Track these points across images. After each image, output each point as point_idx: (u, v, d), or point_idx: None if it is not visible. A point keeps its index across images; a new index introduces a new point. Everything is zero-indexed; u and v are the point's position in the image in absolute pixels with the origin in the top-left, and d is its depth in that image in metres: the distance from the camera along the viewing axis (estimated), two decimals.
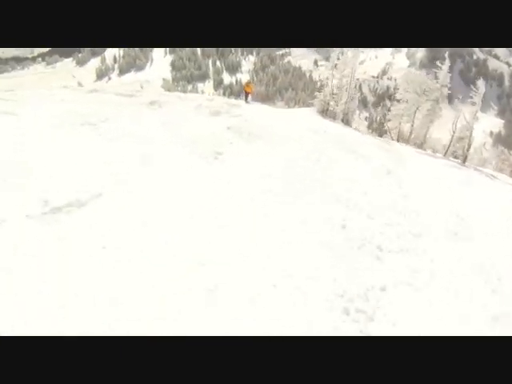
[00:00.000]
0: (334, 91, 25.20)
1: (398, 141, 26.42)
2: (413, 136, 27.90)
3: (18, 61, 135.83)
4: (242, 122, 14.09)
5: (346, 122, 25.73)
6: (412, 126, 27.61)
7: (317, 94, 25.68)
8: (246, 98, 22.98)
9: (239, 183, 8.38)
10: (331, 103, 25.47)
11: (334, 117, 24.84)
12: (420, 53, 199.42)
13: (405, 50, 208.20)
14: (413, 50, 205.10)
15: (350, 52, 25.49)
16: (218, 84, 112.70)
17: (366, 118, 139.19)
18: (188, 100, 17.86)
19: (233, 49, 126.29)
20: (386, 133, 28.11)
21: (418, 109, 26.38)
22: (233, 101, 21.81)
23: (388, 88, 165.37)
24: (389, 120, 29.23)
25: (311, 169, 10.34)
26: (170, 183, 7.70)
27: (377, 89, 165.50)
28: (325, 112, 25.33)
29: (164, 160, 8.86)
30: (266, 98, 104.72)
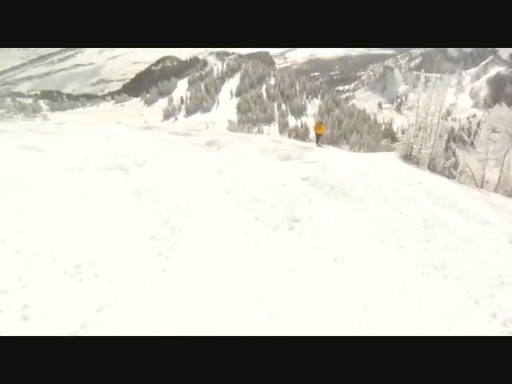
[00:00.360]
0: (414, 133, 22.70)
1: (481, 187, 22.59)
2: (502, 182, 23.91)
3: (89, 98, 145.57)
4: (319, 170, 11.10)
5: (433, 168, 22.64)
6: (501, 170, 23.40)
7: (400, 136, 23.82)
8: (318, 141, 20.39)
9: (335, 277, 5.10)
10: (414, 147, 22.72)
11: (417, 162, 22.10)
12: (483, 92, 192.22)
13: (468, 89, 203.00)
14: (476, 89, 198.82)
15: (435, 89, 22.30)
16: (284, 127, 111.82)
17: None
18: (252, 141, 15.29)
19: (298, 92, 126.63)
20: (461, 177, 24.31)
21: (508, 151, 22.38)
22: (303, 143, 19.04)
23: (453, 129, 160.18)
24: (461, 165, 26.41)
25: (427, 239, 7.16)
26: (216, 282, 4.51)
27: (442, 130, 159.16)
28: (408, 157, 22.64)
29: (212, 231, 5.76)
30: (332, 141, 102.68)
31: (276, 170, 10.27)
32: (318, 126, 20.84)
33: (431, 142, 22.47)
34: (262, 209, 6.91)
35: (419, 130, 23.00)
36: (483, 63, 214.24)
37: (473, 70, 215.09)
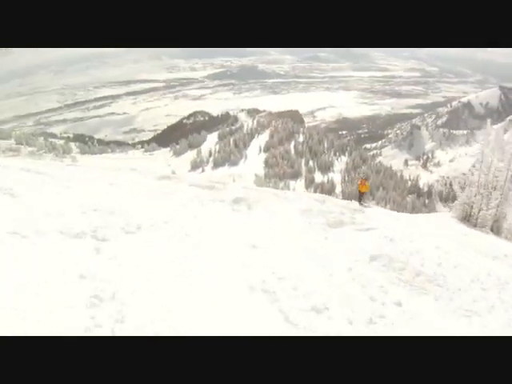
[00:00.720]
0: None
1: None
2: None
3: (119, 145, 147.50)
4: (386, 243, 8.06)
5: (497, 230, 19.63)
6: None
7: (459, 194, 21.66)
8: (361, 200, 17.47)
9: None
10: (474, 206, 19.91)
11: (475, 224, 19.33)
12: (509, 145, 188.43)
13: None
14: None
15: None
16: (310, 182, 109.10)
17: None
18: (288, 199, 12.36)
19: (325, 149, 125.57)
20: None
21: None
22: (350, 204, 16.02)
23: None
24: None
25: None
26: None
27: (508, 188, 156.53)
28: (467, 218, 19.78)
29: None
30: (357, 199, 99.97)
31: (330, 244, 7.29)
32: (363, 182, 17.99)
33: (496, 201, 19.42)
34: (323, 312, 4.00)
35: (480, 187, 20.01)
36: (509, 117, 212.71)
37: (500, 125, 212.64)
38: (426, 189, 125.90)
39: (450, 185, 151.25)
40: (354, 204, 16.67)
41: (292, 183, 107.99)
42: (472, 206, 19.84)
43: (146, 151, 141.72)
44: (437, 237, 10.82)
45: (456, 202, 20.39)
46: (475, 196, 19.32)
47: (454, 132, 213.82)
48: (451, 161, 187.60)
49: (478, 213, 19.50)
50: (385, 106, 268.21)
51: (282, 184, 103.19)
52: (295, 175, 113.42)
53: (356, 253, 6.86)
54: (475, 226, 19.40)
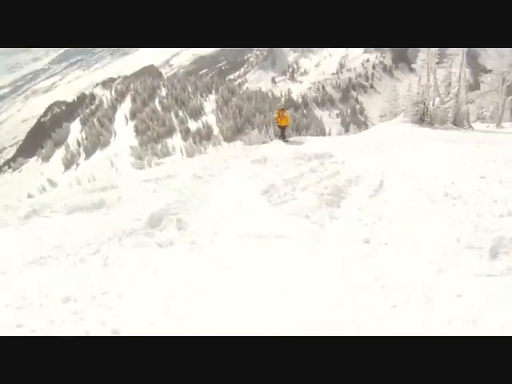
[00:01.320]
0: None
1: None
2: None
3: None
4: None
5: (460, 123, 20.63)
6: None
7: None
8: (283, 136, 14.36)
9: None
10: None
11: (432, 123, 20.22)
12: None
13: None
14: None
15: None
16: (186, 134, 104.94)
17: (337, 115, 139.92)
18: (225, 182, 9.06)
19: (191, 94, 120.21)
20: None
21: None
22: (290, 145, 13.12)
23: (350, 79, 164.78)
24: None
25: None
26: None
27: (339, 84, 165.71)
28: (422, 119, 20.31)
29: None
30: (237, 132, 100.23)
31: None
32: (280, 114, 14.36)
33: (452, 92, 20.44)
34: None
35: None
36: None
37: None
38: (300, 99, 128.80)
39: (323, 88, 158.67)
40: (279, 143, 13.82)
41: (169, 141, 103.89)
42: (425, 104, 20.07)
43: (14, 170, 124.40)
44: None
45: (405, 108, 20.70)
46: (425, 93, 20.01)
47: None
48: (317, 65, 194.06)
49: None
50: None
51: (159, 146, 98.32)
52: (170, 131, 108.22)
53: None
54: (432, 125, 19.81)
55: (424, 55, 20.01)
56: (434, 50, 19.59)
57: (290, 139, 14.66)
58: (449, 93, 20.64)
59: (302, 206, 6.81)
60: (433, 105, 20.06)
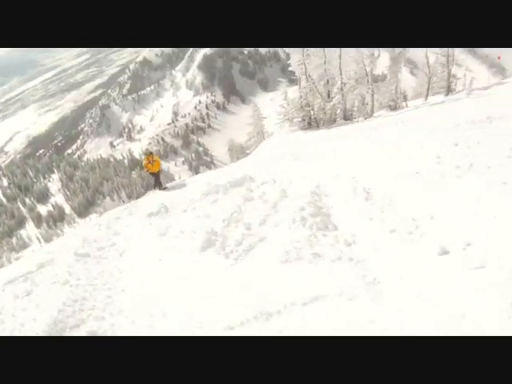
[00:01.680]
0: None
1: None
2: None
3: None
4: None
5: (350, 116, 23.07)
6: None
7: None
8: (158, 184, 13.40)
9: None
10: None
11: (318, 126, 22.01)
12: (198, 77, 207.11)
13: (183, 84, 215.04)
14: (190, 79, 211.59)
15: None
16: (38, 220, 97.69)
17: (183, 162, 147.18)
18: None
19: (33, 178, 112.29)
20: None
21: None
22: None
23: (187, 125, 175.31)
24: None
25: None
26: None
27: (178, 132, 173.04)
28: (311, 123, 22.06)
29: None
30: (89, 205, 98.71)
31: None
32: (149, 160, 13.16)
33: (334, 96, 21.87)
34: None
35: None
36: (188, 54, 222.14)
37: (181, 65, 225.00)
38: (138, 157, 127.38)
39: (163, 140, 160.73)
40: (157, 193, 12.68)
41: (23, 232, 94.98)
42: (311, 111, 21.73)
43: None
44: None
45: (296, 119, 21.98)
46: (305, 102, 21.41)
47: (143, 92, 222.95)
48: (151, 119, 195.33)
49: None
50: (67, 104, 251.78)
51: (13, 240, 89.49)
52: (21, 222, 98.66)
53: None
54: (318, 127, 21.53)
55: (298, 56, 20.46)
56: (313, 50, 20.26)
57: (168, 185, 13.69)
58: (328, 90, 21.38)
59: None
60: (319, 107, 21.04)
